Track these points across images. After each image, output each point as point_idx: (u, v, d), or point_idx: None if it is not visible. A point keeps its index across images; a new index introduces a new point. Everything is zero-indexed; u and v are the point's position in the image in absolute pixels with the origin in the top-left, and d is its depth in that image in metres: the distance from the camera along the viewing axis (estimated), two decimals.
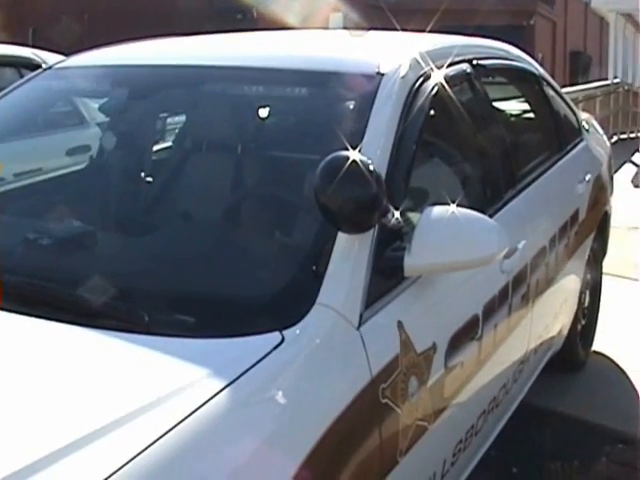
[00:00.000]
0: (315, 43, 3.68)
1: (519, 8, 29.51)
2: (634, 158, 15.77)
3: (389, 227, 2.35)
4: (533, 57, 4.93)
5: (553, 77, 5.08)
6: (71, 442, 1.72)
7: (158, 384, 1.93)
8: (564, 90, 13.33)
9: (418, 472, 2.55)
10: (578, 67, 35.05)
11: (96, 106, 4.38)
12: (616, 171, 12.41)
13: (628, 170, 13.98)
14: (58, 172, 3.72)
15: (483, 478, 3.52)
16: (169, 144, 3.54)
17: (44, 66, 3.86)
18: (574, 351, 4.84)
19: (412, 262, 2.38)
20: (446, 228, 2.41)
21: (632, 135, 20.24)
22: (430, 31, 3.93)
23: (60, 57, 4.49)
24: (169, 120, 3.63)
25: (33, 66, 5.75)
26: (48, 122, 4.69)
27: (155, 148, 3.46)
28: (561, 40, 34.88)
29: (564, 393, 4.68)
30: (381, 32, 4.08)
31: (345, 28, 18.34)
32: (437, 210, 2.44)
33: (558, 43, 34.46)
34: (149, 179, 3.17)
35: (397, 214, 2.34)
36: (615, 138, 18.40)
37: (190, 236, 2.70)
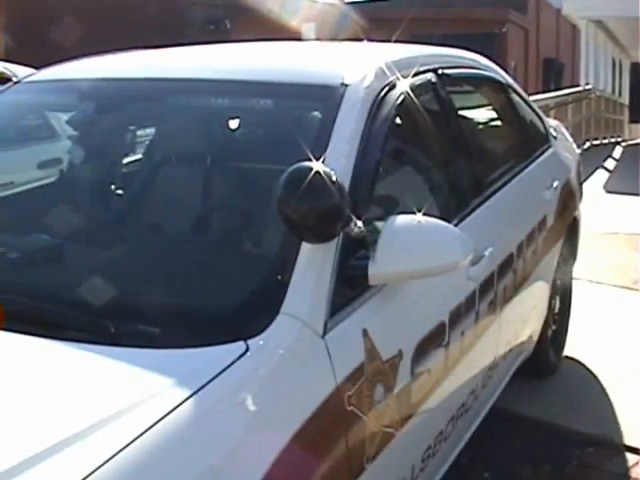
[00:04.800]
0: (282, 55, 3.70)
1: (491, 16, 29.63)
2: (606, 164, 15.90)
3: (353, 236, 2.37)
4: (506, 64, 5.00)
5: (526, 84, 5.15)
6: (32, 455, 1.72)
7: (122, 395, 1.94)
8: (536, 97, 13.45)
9: (386, 478, 2.57)
10: (551, 74, 35.24)
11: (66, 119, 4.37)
12: (588, 177, 12.58)
13: (600, 176, 14.08)
14: (29, 185, 3.71)
15: None
16: (138, 157, 3.54)
17: (14, 80, 3.86)
18: (545, 356, 4.87)
19: (376, 270, 2.40)
20: (410, 236, 2.44)
21: (604, 141, 20.41)
22: (401, 40, 3.96)
23: (30, 70, 4.49)
24: (139, 132, 3.64)
25: (4, 80, 5.74)
26: (19, 136, 4.68)
27: (124, 161, 3.47)
28: (533, 47, 35.04)
29: (535, 398, 4.72)
30: (350, 42, 4.11)
31: (318, 39, 18.39)
32: (401, 219, 2.46)
33: (531, 50, 34.62)
34: (118, 191, 3.18)
35: (360, 223, 2.35)
36: (587, 144, 18.56)
37: (156, 248, 2.71)
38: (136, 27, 22.35)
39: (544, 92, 17.89)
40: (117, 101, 3.35)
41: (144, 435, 1.81)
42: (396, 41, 3.98)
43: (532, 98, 10.64)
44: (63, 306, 2.35)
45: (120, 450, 1.76)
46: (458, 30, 24.62)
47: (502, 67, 4.91)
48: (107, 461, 1.73)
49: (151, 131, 3.57)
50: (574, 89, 19.42)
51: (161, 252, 2.68)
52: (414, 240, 2.44)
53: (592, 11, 19.31)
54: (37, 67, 4.00)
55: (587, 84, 20.38)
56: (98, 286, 2.50)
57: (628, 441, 4.24)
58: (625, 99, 27.04)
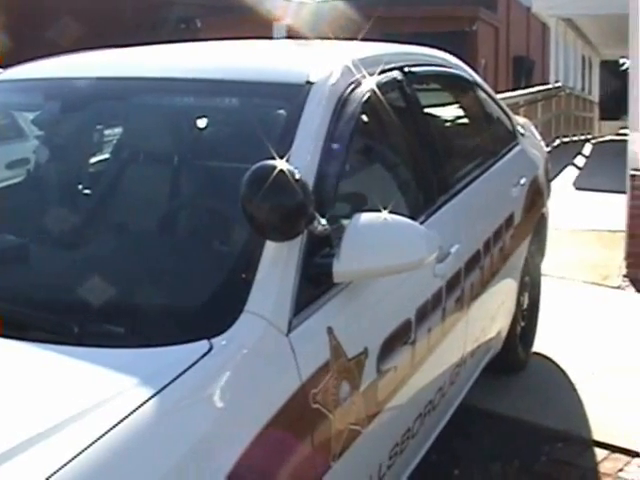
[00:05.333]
0: (249, 54, 3.69)
1: (461, 14, 29.69)
2: (576, 161, 15.99)
3: (317, 234, 2.37)
4: (476, 62, 5.02)
5: (496, 82, 5.16)
6: None
7: (86, 394, 1.93)
8: (506, 95, 13.49)
9: (352, 476, 2.57)
10: (521, 72, 35.35)
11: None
12: (558, 174, 12.64)
13: (570, 173, 14.15)
14: None
15: None
16: (105, 156, 3.53)
17: None
18: (514, 352, 4.89)
19: (341, 268, 2.40)
20: (374, 234, 2.44)
21: (574, 138, 20.51)
22: (371, 39, 3.96)
23: None
24: (106, 132, 3.62)
25: None
26: None
27: (91, 160, 3.45)
28: (504, 45, 35.14)
29: (504, 394, 4.74)
30: (317, 41, 4.11)
31: (289, 38, 18.37)
32: (366, 216, 2.47)
33: (501, 48, 34.71)
34: (85, 191, 3.17)
35: (324, 221, 2.36)
36: (557, 142, 18.65)
37: (121, 248, 2.70)
38: (108, 27, 22.28)
39: (514, 90, 17.94)
40: (83, 100, 3.32)
41: (108, 434, 1.80)
42: (364, 39, 3.99)
43: (502, 96, 10.70)
44: (27, 307, 2.35)
45: (84, 449, 1.75)
46: (428, 28, 24.64)
47: (472, 65, 4.93)
48: (71, 460, 1.72)
49: (118, 130, 3.55)
50: (544, 87, 19.48)
51: (126, 252, 2.68)
52: (379, 238, 2.45)
53: (561, 9, 19.39)
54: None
55: (557, 82, 20.46)
56: (62, 286, 2.50)
57: (597, 436, 4.27)
58: (595, 97, 27.20)
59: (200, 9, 27.52)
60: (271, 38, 16.29)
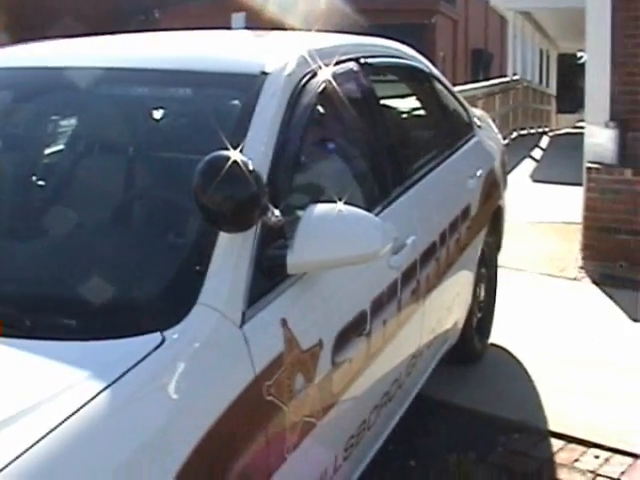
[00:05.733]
0: (205, 44, 3.67)
1: (420, 7, 29.80)
2: (533, 153, 16.08)
3: (271, 225, 2.36)
4: (435, 55, 5.03)
5: (455, 75, 5.18)
6: None
7: (37, 388, 1.91)
8: (464, 87, 13.53)
9: (308, 467, 2.57)
10: (479, 64, 35.56)
11: None
12: (515, 166, 12.71)
13: (527, 165, 14.24)
14: None
15: (381, 472, 3.57)
16: (59, 147, 3.49)
17: None
18: (470, 344, 4.92)
19: (294, 260, 2.39)
20: (328, 225, 2.44)
21: (532, 131, 20.64)
22: (325, 31, 3.96)
23: None
24: (61, 122, 3.58)
25: None
26: None
27: (45, 152, 3.41)
28: (462, 38, 35.33)
29: (461, 385, 4.75)
30: (273, 32, 4.09)
31: (247, 28, 18.33)
32: (319, 208, 2.46)
33: (459, 41, 34.90)
34: (39, 182, 3.13)
35: (278, 212, 2.35)
36: (515, 134, 18.76)
37: (73, 239, 2.67)
38: (66, 18, 22.10)
39: (473, 82, 18.01)
40: (35, 90, 3.29)
41: (59, 427, 1.78)
42: (322, 31, 3.98)
43: (460, 88, 10.74)
44: None
45: (35, 443, 1.73)
46: (387, 21, 24.70)
47: (431, 58, 4.94)
48: (21, 455, 1.70)
49: (72, 121, 3.51)
50: (502, 80, 19.59)
51: (78, 243, 2.65)
52: (333, 229, 2.44)
53: (519, 3, 19.51)
54: None
55: (515, 75, 20.56)
56: (13, 279, 2.47)
57: (553, 427, 4.30)
58: (553, 90, 27.35)
59: (159, 0, 27.41)
60: (229, 29, 16.24)
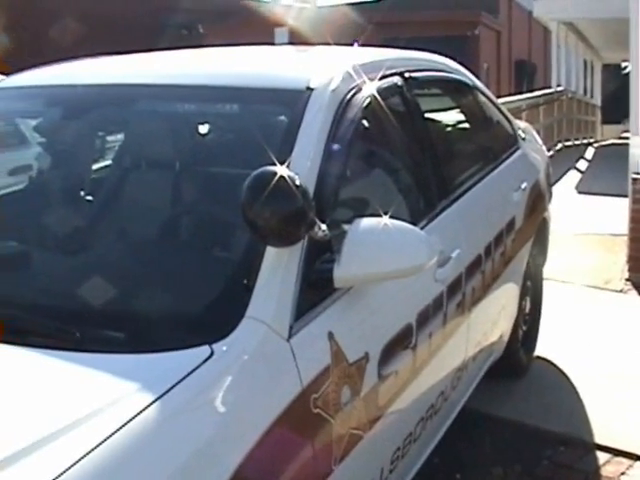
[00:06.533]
0: (250, 60, 3.71)
1: (463, 19, 29.76)
2: (578, 165, 15.99)
3: (317, 240, 2.38)
4: (478, 67, 5.04)
5: (498, 86, 5.18)
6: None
7: (88, 400, 1.94)
8: (508, 99, 13.49)
9: None
10: (523, 76, 35.42)
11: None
12: (560, 178, 12.65)
13: (573, 177, 14.16)
14: (0, 192, 3.71)
15: None
16: (107, 163, 3.55)
17: None
18: (516, 357, 4.90)
19: (341, 273, 2.41)
20: (374, 239, 2.46)
21: (577, 142, 20.52)
22: (373, 44, 3.97)
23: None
24: (109, 138, 3.64)
25: None
26: None
27: (93, 167, 3.47)
28: (506, 49, 35.21)
29: (506, 398, 4.74)
30: (318, 47, 4.12)
31: (291, 43, 18.40)
32: (366, 222, 2.48)
33: (503, 52, 34.78)
34: (87, 197, 3.18)
35: (324, 227, 2.36)
36: (560, 145, 18.67)
37: (122, 253, 2.72)
38: (109, 32, 22.27)
39: (516, 94, 17.96)
40: (85, 107, 3.35)
41: (110, 438, 1.82)
42: (365, 45, 4.00)
43: (504, 100, 10.72)
44: (29, 312, 2.36)
45: (86, 454, 1.76)
46: (430, 33, 24.70)
47: (474, 69, 4.95)
48: (73, 465, 1.73)
49: (120, 137, 3.57)
50: (546, 91, 19.50)
51: (127, 258, 2.69)
52: (379, 243, 2.46)
53: (562, 13, 19.39)
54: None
55: (559, 86, 20.46)
56: (64, 292, 2.51)
57: (599, 440, 4.27)
58: (597, 100, 27.20)
59: (202, 15, 27.52)
60: (273, 44, 16.32)
